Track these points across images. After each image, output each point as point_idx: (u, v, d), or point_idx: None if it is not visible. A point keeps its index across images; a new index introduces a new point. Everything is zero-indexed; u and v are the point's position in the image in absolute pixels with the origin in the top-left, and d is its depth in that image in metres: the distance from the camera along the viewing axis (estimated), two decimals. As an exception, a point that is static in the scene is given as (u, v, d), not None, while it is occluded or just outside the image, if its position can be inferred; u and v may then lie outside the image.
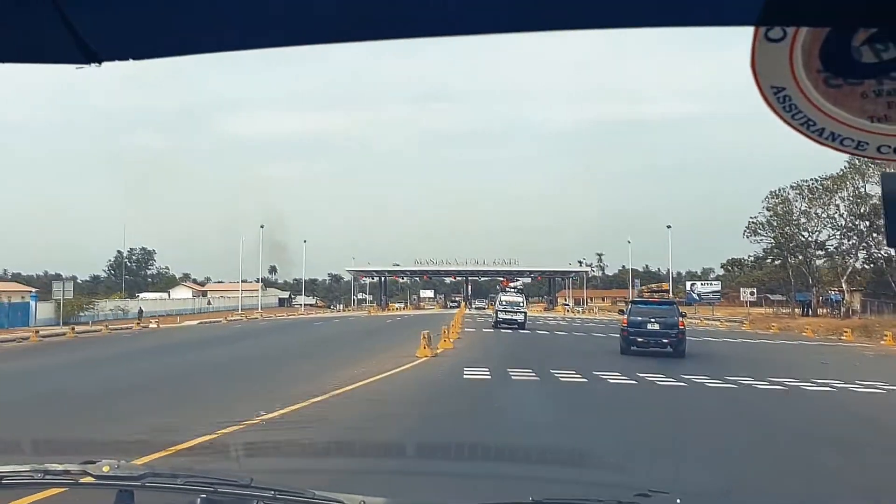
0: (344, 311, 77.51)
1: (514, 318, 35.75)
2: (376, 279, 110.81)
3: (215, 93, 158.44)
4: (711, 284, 78.28)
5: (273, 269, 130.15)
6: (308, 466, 6.35)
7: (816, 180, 53.34)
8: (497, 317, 36.90)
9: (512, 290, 41.23)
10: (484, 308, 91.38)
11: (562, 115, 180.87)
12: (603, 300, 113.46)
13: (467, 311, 67.47)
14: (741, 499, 5.80)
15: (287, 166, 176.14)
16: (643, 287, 28.58)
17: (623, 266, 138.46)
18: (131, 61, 0.96)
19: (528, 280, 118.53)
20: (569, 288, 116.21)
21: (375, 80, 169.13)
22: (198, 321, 47.19)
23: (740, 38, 1.10)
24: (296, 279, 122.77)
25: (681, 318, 19.67)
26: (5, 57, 0.95)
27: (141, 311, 49.29)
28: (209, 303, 74.96)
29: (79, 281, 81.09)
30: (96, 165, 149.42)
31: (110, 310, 50.27)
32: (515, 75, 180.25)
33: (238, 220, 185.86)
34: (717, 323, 49.15)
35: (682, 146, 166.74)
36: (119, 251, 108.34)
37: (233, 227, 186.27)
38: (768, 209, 59.41)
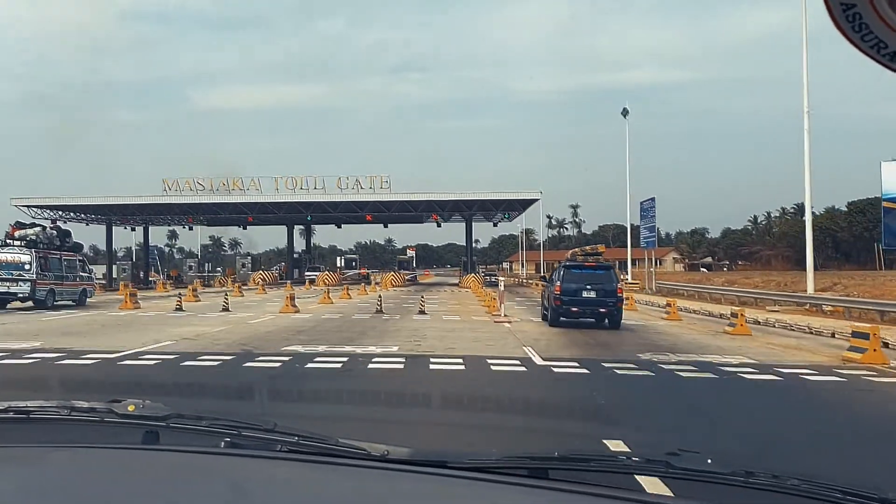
0: None
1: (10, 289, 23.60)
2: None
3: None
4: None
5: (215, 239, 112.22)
6: None
7: None
8: None
9: (14, 241, 24.69)
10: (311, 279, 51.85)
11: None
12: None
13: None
14: (776, 463, 5.25)
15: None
16: (577, 249, 26.88)
17: (601, 225, 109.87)
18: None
19: (433, 223, 53.32)
20: (523, 248, 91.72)
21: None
22: None
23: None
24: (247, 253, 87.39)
25: (619, 285, 18.47)
26: None
27: None
28: None
29: None
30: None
31: None
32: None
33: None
34: None
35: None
36: None
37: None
38: None
